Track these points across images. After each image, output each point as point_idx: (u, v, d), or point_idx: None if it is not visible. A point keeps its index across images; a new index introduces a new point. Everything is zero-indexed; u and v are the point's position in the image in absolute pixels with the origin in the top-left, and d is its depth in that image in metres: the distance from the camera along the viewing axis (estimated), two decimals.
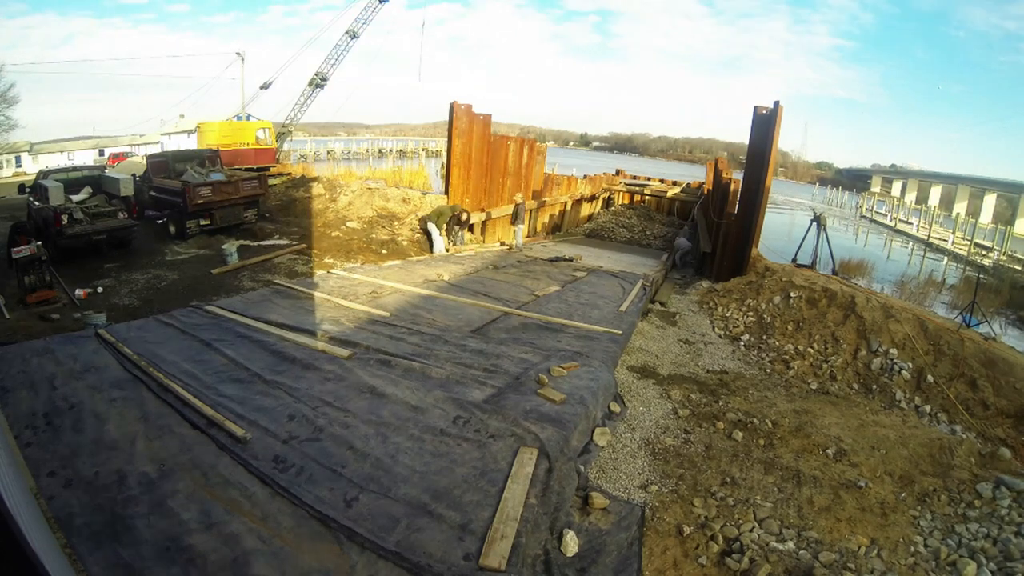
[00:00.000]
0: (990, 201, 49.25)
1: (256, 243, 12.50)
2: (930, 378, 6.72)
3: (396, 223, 14.43)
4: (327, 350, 5.82)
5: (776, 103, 10.96)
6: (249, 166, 20.43)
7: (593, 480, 4.32)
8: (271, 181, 18.11)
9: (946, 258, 26.61)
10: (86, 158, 32.67)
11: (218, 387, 4.92)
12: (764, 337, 8.25)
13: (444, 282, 9.54)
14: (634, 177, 28.90)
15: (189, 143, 30.76)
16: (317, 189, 17.36)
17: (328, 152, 50.98)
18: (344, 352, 5.77)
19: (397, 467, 3.91)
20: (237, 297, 7.89)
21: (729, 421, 5.38)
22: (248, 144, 23.54)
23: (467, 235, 15.30)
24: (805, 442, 5.05)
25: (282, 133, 27.48)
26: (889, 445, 5.05)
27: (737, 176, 14.78)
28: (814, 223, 11.42)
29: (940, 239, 30.52)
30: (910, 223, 36.86)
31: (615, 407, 5.44)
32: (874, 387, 6.89)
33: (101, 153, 34.45)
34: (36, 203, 11.11)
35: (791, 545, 3.70)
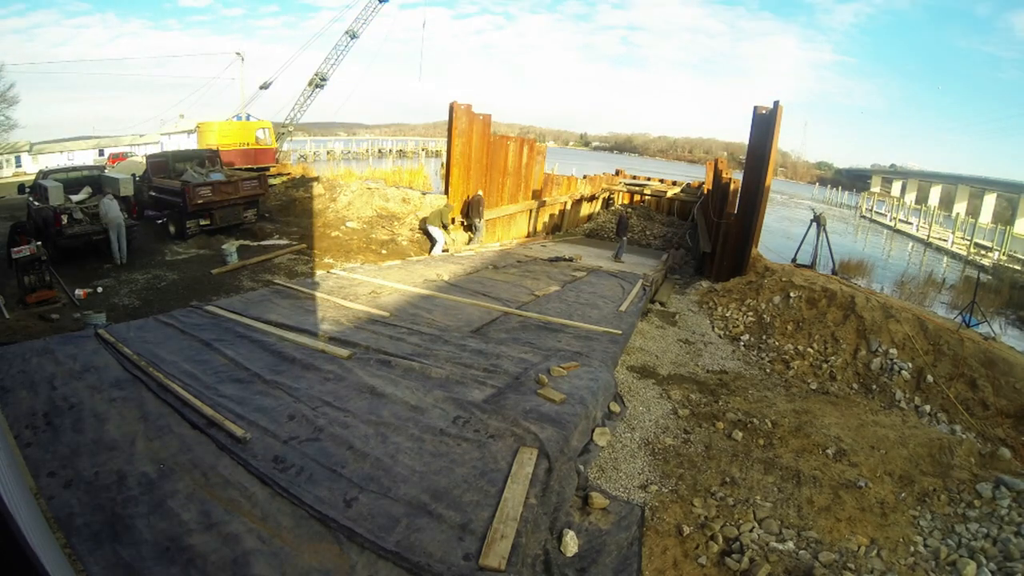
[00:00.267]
0: (990, 201, 49.23)
1: (256, 243, 12.50)
2: (930, 378, 6.73)
3: (396, 223, 14.44)
4: (327, 350, 5.82)
5: (776, 103, 10.97)
6: (249, 166, 20.42)
7: (593, 480, 4.32)
8: (271, 181, 18.12)
9: (946, 258, 26.62)
10: (86, 158, 32.66)
11: (218, 387, 4.92)
12: (764, 337, 8.25)
13: (444, 282, 9.54)
14: (634, 177, 28.91)
15: (189, 143, 30.77)
16: (317, 189, 17.36)
17: (328, 152, 51.02)
18: (344, 352, 5.77)
19: (397, 467, 3.91)
20: (237, 297, 7.89)
21: (729, 421, 5.39)
22: (248, 144, 23.54)
23: (466, 235, 15.30)
24: (805, 442, 5.05)
25: (282, 133, 27.49)
26: (889, 445, 5.05)
27: (737, 176, 14.78)
28: (814, 223, 11.42)
29: (940, 239, 30.52)
30: (910, 223, 36.87)
31: (615, 407, 5.44)
32: (874, 387, 6.89)
33: (101, 153, 34.45)
34: (36, 203, 11.11)
35: (791, 545, 3.70)
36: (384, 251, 12.67)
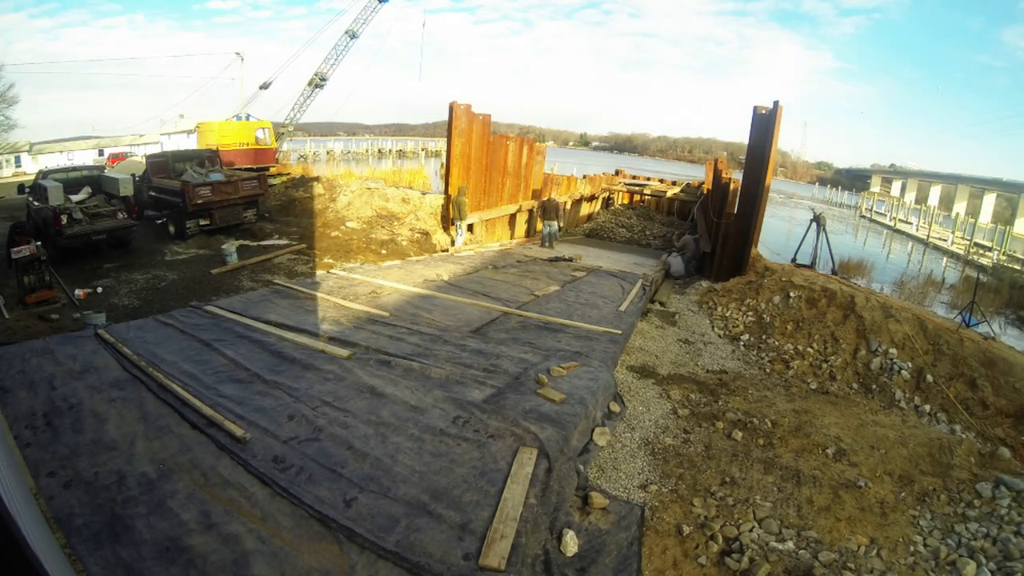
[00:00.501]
0: (989, 201, 49.25)
1: (256, 243, 12.50)
2: (929, 378, 6.73)
3: (396, 223, 14.44)
4: (327, 350, 5.82)
5: (776, 103, 10.97)
6: (249, 166, 20.42)
7: (593, 480, 4.32)
8: (271, 181, 18.12)
9: (945, 258, 26.62)
10: (86, 158, 32.66)
11: (218, 387, 4.92)
12: (764, 337, 8.26)
13: (444, 282, 9.54)
14: (634, 177, 28.91)
15: (189, 143, 30.77)
16: (317, 189, 17.36)
17: (328, 152, 51.02)
18: (344, 352, 5.77)
19: (397, 467, 3.91)
20: (237, 297, 7.89)
21: (729, 421, 5.39)
22: (248, 144, 23.54)
23: (466, 235, 15.30)
24: (805, 442, 5.05)
25: (282, 133, 27.48)
26: (889, 445, 5.05)
27: (737, 176, 14.79)
28: (814, 223, 11.42)
29: (939, 239, 30.53)
30: (909, 223, 36.87)
31: (615, 407, 5.45)
32: (874, 387, 6.90)
33: (101, 153, 34.46)
34: (36, 203, 11.11)
35: (791, 545, 3.70)
36: (384, 251, 12.67)
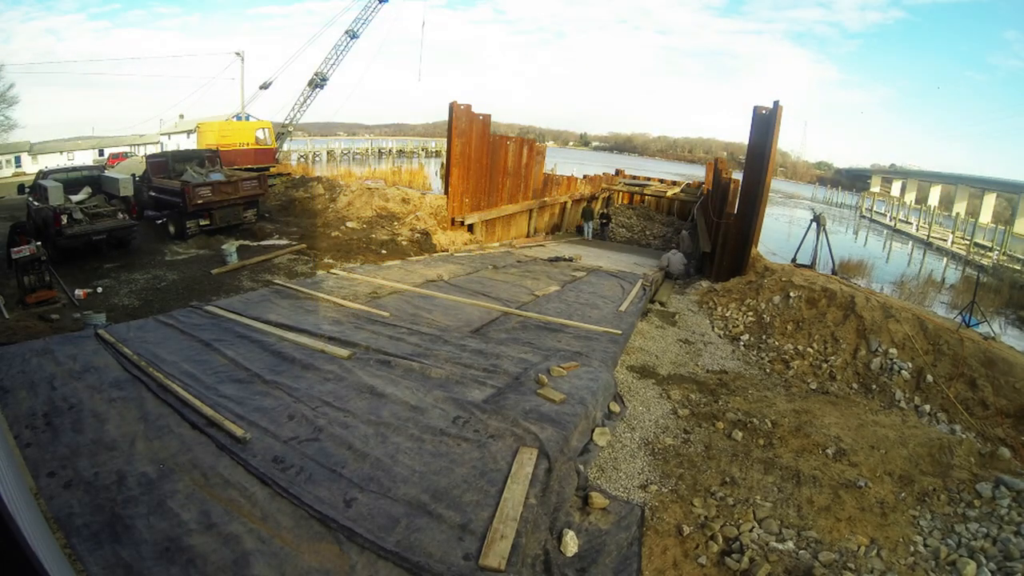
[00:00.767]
0: (989, 201, 49.25)
1: (256, 243, 12.51)
2: (930, 378, 6.73)
3: (396, 223, 14.44)
4: (327, 350, 5.82)
5: (776, 103, 10.97)
6: (249, 166, 20.42)
7: (593, 480, 4.32)
8: (271, 181, 18.12)
9: (946, 258, 26.62)
10: (86, 158, 32.67)
11: (218, 387, 4.92)
12: (764, 337, 8.26)
13: (444, 282, 9.54)
14: (634, 177, 28.93)
15: (189, 143, 30.75)
16: (317, 189, 17.37)
17: (328, 152, 51.01)
18: (344, 352, 5.77)
19: (397, 467, 3.91)
20: (237, 297, 7.89)
21: (729, 421, 5.38)
22: (248, 144, 23.53)
23: (466, 235, 15.31)
24: (805, 442, 5.05)
25: (282, 133, 27.44)
26: (889, 445, 5.05)
27: (737, 176, 14.79)
28: (814, 223, 11.42)
29: (940, 239, 30.51)
30: (910, 223, 36.84)
31: (615, 407, 5.44)
32: (874, 387, 6.90)
33: (101, 153, 34.47)
34: (36, 203, 11.12)
35: (791, 545, 3.70)
36: (384, 251, 12.68)
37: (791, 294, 8.78)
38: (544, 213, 20.32)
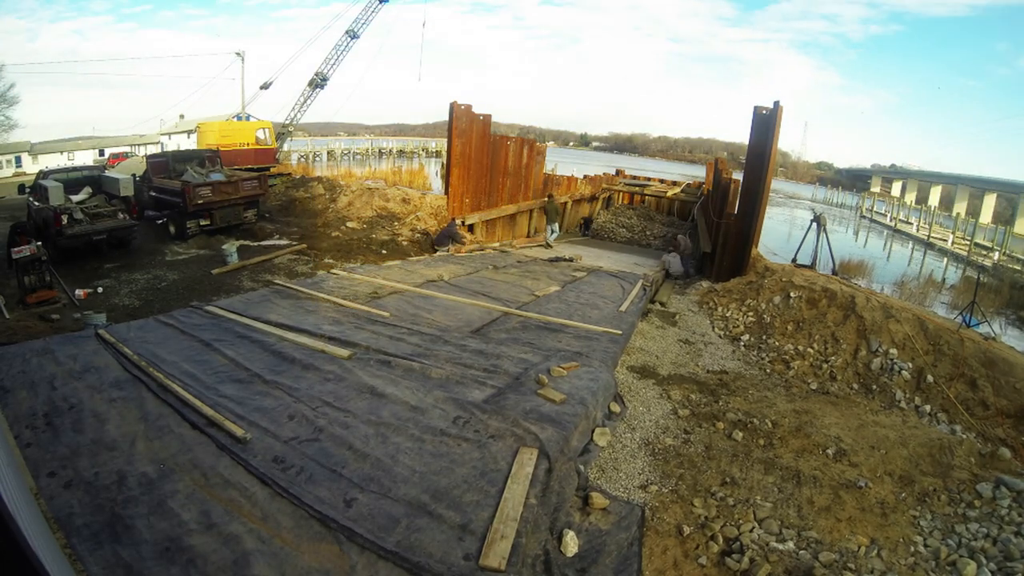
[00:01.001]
0: (990, 201, 49.27)
1: (256, 243, 12.52)
2: (930, 378, 6.73)
3: (396, 223, 14.44)
4: (327, 350, 5.82)
5: (776, 103, 10.97)
6: (249, 166, 20.42)
7: (593, 480, 4.32)
8: (271, 181, 18.12)
9: (946, 258, 26.61)
10: (86, 158, 32.69)
11: (218, 387, 4.92)
12: (764, 337, 8.25)
13: (444, 282, 9.54)
14: (634, 177, 28.93)
15: (189, 143, 30.77)
16: (317, 189, 17.38)
17: (328, 152, 51.02)
18: (344, 352, 5.77)
19: (397, 467, 3.91)
20: (237, 297, 7.89)
21: (729, 421, 5.38)
22: (248, 144, 23.54)
23: (466, 235, 15.32)
24: (805, 442, 5.05)
25: (282, 133, 27.45)
26: (889, 445, 5.05)
27: (737, 176, 14.80)
28: (814, 223, 11.42)
29: (940, 239, 30.51)
30: (910, 223, 36.84)
31: (615, 407, 5.44)
32: (874, 387, 6.89)
33: (101, 153, 34.50)
34: (36, 203, 11.12)
35: (791, 545, 3.70)
36: (384, 251, 12.68)
37: (791, 294, 8.78)
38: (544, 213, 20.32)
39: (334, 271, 9.86)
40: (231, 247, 10.87)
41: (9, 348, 5.57)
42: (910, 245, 31.17)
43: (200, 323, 6.54)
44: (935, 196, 59.59)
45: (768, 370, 7.44)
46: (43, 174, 12.14)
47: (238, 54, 30.49)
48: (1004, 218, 42.47)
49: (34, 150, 34.10)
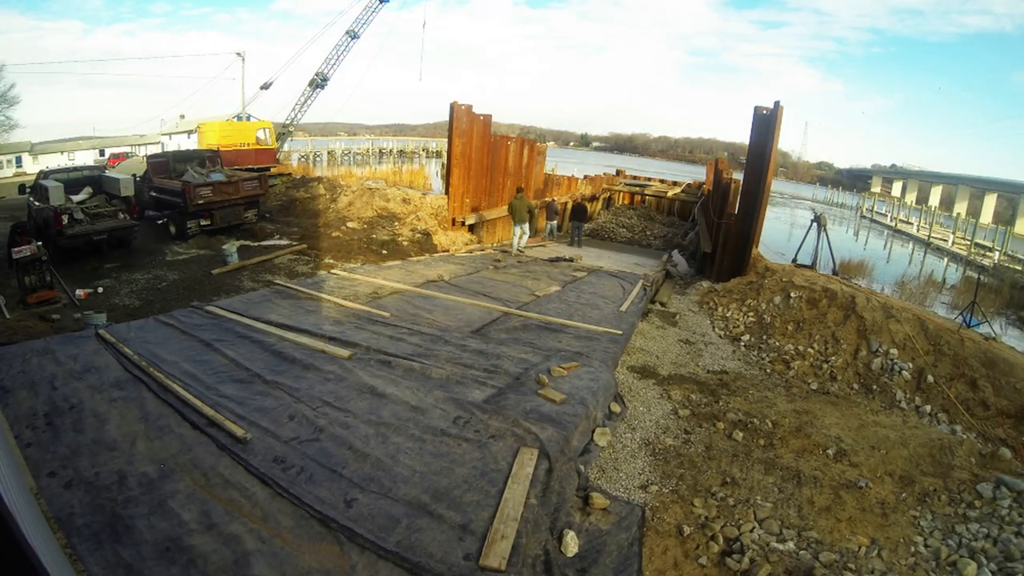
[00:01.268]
0: (990, 201, 49.26)
1: (256, 243, 12.52)
2: (930, 378, 6.72)
3: (396, 223, 14.44)
4: (327, 350, 5.82)
5: (776, 103, 10.97)
6: (249, 166, 20.42)
7: (593, 480, 4.32)
8: (271, 181, 18.12)
9: (946, 258, 26.60)
10: (86, 158, 32.70)
11: (218, 387, 4.92)
12: (764, 337, 8.25)
13: (444, 282, 9.54)
14: (634, 177, 28.94)
15: (189, 143, 30.78)
16: (317, 189, 17.38)
17: (328, 152, 51.03)
18: (344, 352, 5.77)
19: (397, 467, 3.91)
20: (237, 297, 7.89)
21: (729, 421, 5.38)
22: (248, 144, 23.55)
23: (466, 235, 15.31)
24: (805, 442, 5.05)
25: (282, 133, 27.48)
26: (889, 445, 5.05)
27: (738, 176, 14.80)
28: (814, 223, 11.42)
29: (940, 239, 30.50)
30: (910, 223, 36.85)
31: (615, 407, 5.44)
32: (874, 387, 6.89)
33: (102, 153, 34.51)
34: (36, 203, 11.12)
35: (791, 545, 3.70)
36: (384, 251, 12.68)
37: (792, 294, 8.78)
38: (545, 213, 20.31)
39: (334, 271, 9.86)
40: (231, 247, 10.87)
41: (9, 348, 5.57)
42: (910, 245, 31.16)
43: (200, 323, 6.54)
44: (935, 196, 59.58)
45: (768, 370, 7.44)
46: (43, 174, 12.14)
47: (238, 54, 30.55)
48: (1004, 218, 42.47)
49: (34, 150, 34.12)
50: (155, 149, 33.48)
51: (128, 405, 4.53)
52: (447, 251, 13.69)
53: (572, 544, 3.50)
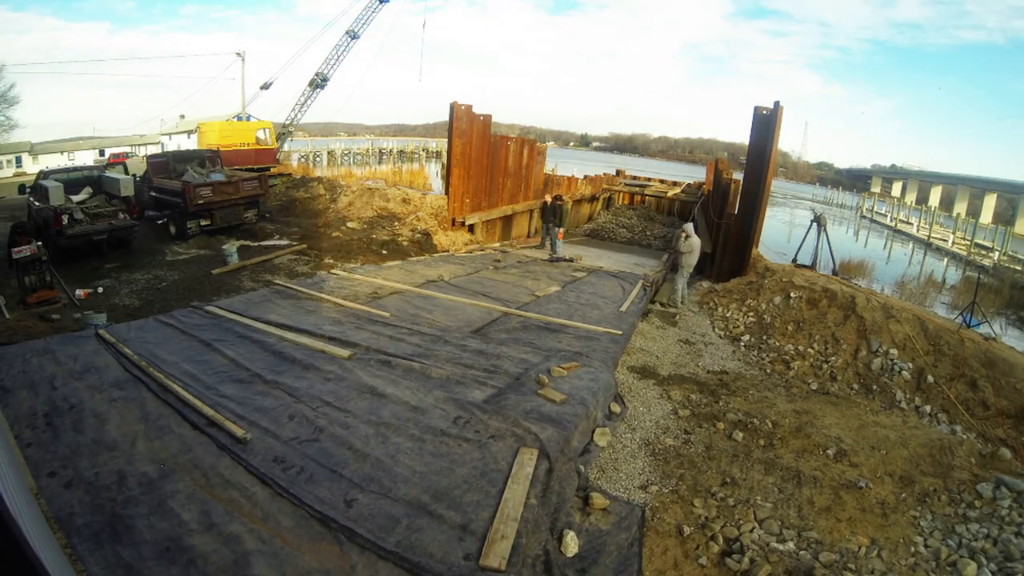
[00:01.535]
0: (990, 201, 49.28)
1: (256, 243, 12.51)
2: (930, 378, 6.72)
3: (396, 223, 14.44)
4: (327, 350, 5.82)
5: (776, 103, 10.97)
6: (249, 166, 20.42)
7: (593, 480, 4.32)
8: (271, 181, 18.12)
9: (946, 258, 26.60)
10: (86, 158, 32.67)
11: (218, 387, 4.92)
12: (764, 337, 8.25)
13: (444, 282, 9.54)
14: (634, 177, 28.93)
15: (189, 143, 30.77)
16: (317, 189, 17.39)
17: (328, 153, 51.02)
18: (344, 352, 5.77)
19: (397, 467, 3.91)
20: (237, 297, 7.89)
21: (729, 421, 5.38)
22: (248, 144, 23.54)
23: (466, 235, 15.31)
24: (805, 442, 5.05)
25: (283, 133, 27.45)
26: (889, 445, 5.05)
27: (737, 176, 14.80)
28: (814, 223, 11.42)
29: (940, 239, 30.50)
30: (910, 223, 36.83)
31: (615, 407, 5.44)
32: (874, 387, 6.89)
33: (101, 153, 34.46)
34: (36, 203, 11.11)
35: (791, 545, 3.70)
36: (384, 251, 12.68)
37: (792, 294, 8.78)
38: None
39: (334, 271, 9.86)
40: (231, 247, 10.87)
41: (9, 348, 5.57)
42: (910, 245, 31.16)
43: (200, 323, 6.54)
44: (935, 196, 59.58)
45: (768, 370, 7.44)
46: (43, 174, 12.13)
47: (238, 54, 30.50)
48: (1004, 218, 42.48)
49: (34, 150, 34.09)
50: (155, 149, 33.46)
51: (128, 405, 4.53)
52: (447, 251, 13.69)
53: (572, 544, 3.50)
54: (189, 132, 31.99)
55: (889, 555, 3.69)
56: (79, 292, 8.32)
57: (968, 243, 28.06)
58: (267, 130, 24.83)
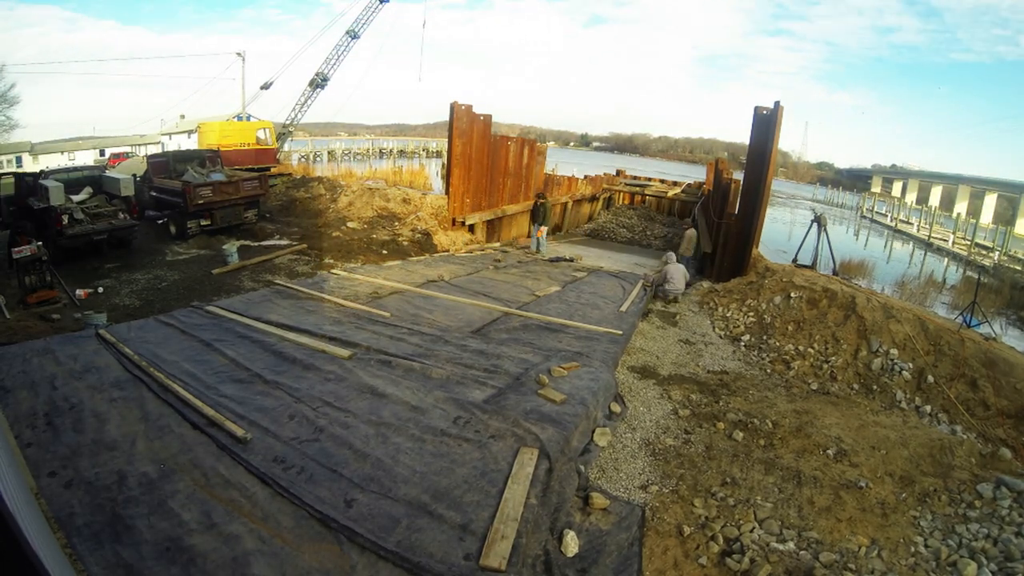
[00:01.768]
0: (990, 201, 49.25)
1: (256, 243, 12.51)
2: (930, 378, 6.72)
3: (396, 223, 14.44)
4: (327, 350, 5.82)
5: (777, 103, 10.97)
6: (250, 166, 20.42)
7: (593, 480, 4.32)
8: (272, 181, 18.11)
9: (946, 258, 26.59)
10: (87, 158, 32.69)
11: (218, 387, 4.92)
12: (764, 337, 8.25)
13: (444, 282, 9.54)
14: (635, 177, 28.93)
15: (190, 143, 30.77)
16: (317, 189, 17.38)
17: (329, 152, 51.01)
18: (344, 352, 5.77)
19: (397, 467, 3.91)
20: (237, 297, 7.89)
21: (729, 421, 5.38)
22: (249, 144, 23.54)
23: (466, 235, 15.31)
24: (805, 442, 5.05)
25: (283, 133, 27.46)
26: (890, 445, 5.05)
27: (738, 176, 14.79)
28: (815, 223, 11.41)
29: (940, 239, 30.49)
30: (910, 223, 36.83)
31: (615, 407, 5.44)
32: (875, 387, 6.89)
33: (102, 153, 34.48)
34: (37, 203, 11.10)
35: (791, 545, 3.70)
36: (385, 251, 12.67)
37: (792, 294, 8.78)
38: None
39: (335, 271, 9.86)
40: (231, 247, 10.86)
41: (9, 348, 5.57)
42: (911, 245, 31.16)
43: (201, 323, 6.55)
44: (935, 196, 59.54)
45: (768, 370, 7.43)
46: (43, 174, 12.13)
47: (239, 54, 30.53)
48: (1005, 218, 42.44)
49: (35, 150, 34.12)
50: (155, 149, 33.47)
51: (128, 405, 4.53)
52: (447, 251, 13.69)
53: (572, 544, 3.50)
54: (189, 132, 32.00)
55: (889, 555, 3.69)
56: (79, 292, 8.32)
57: (968, 243, 28.06)
58: (267, 130, 24.84)
